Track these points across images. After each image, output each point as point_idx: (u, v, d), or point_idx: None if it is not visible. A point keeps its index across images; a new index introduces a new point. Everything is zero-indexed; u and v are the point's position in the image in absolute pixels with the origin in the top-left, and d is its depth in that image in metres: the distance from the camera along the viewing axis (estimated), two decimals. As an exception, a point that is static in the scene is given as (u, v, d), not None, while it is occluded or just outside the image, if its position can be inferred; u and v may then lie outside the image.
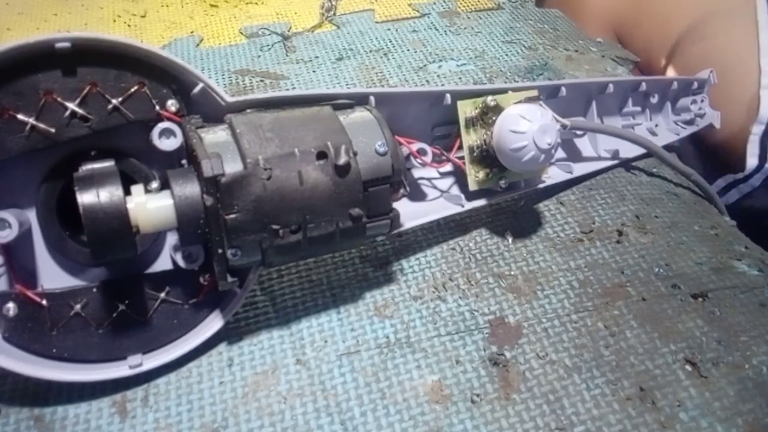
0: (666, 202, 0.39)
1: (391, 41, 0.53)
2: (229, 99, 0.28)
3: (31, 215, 0.27)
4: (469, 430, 0.27)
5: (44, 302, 0.27)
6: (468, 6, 0.59)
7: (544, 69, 0.50)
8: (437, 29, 0.55)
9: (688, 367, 0.30)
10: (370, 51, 0.52)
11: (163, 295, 0.28)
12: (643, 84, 0.42)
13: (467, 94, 0.33)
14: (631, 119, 0.43)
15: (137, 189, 0.25)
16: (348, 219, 0.27)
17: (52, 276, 0.28)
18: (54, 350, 0.27)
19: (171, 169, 0.26)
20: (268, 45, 0.53)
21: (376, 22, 0.56)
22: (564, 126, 0.33)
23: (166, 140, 0.27)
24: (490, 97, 0.33)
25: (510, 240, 0.36)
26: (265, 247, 0.26)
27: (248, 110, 0.28)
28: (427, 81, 0.48)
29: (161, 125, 0.27)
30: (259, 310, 0.32)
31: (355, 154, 0.26)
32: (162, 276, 0.29)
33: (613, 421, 0.27)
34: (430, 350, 0.30)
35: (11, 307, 0.26)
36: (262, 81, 0.48)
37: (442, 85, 0.48)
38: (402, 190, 0.29)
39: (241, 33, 0.55)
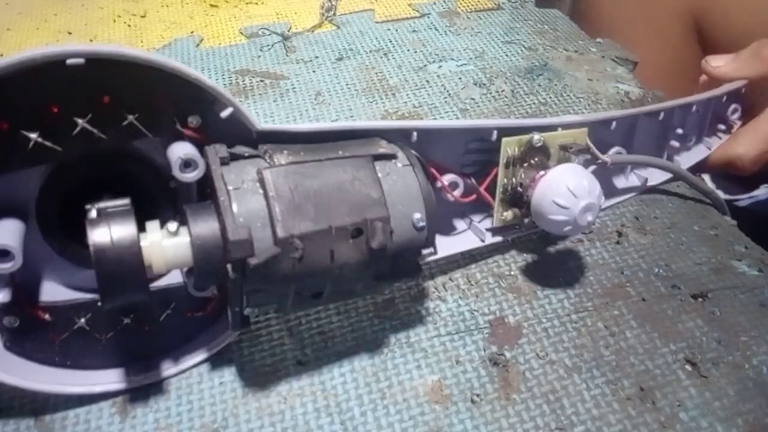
0: (666, 203, 0.39)
1: (391, 41, 0.53)
2: (260, 126, 0.26)
3: (32, 216, 0.27)
4: (469, 430, 0.27)
5: (47, 316, 0.26)
6: (468, 6, 0.59)
7: (543, 69, 0.50)
8: (437, 29, 0.55)
9: (688, 367, 0.30)
10: (370, 51, 0.52)
11: (168, 309, 0.28)
12: (694, 106, 0.39)
13: (515, 130, 0.32)
14: (673, 141, 0.41)
15: (152, 225, 0.24)
16: (372, 285, 0.26)
17: (56, 281, 0.28)
18: (56, 359, 0.27)
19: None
20: (268, 45, 0.53)
21: (376, 22, 0.56)
22: (604, 164, 0.32)
23: (188, 172, 0.25)
24: (536, 137, 0.31)
25: (510, 240, 0.36)
26: (282, 305, 0.25)
27: (281, 156, 0.25)
28: (427, 81, 0.48)
29: (181, 154, 0.25)
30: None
31: (391, 232, 0.25)
32: (169, 290, 0.28)
33: (613, 421, 0.27)
34: (430, 350, 0.30)
35: (14, 320, 0.26)
36: (262, 81, 0.48)
37: (443, 85, 0.48)
38: (431, 250, 0.28)
39: (241, 33, 0.55)
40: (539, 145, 0.31)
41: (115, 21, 0.58)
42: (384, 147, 0.27)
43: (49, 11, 0.59)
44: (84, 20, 0.58)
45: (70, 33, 0.56)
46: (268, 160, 0.25)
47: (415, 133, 0.29)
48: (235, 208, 0.23)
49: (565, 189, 0.30)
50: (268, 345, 0.30)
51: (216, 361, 0.29)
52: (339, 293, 0.26)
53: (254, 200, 0.23)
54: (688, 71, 0.45)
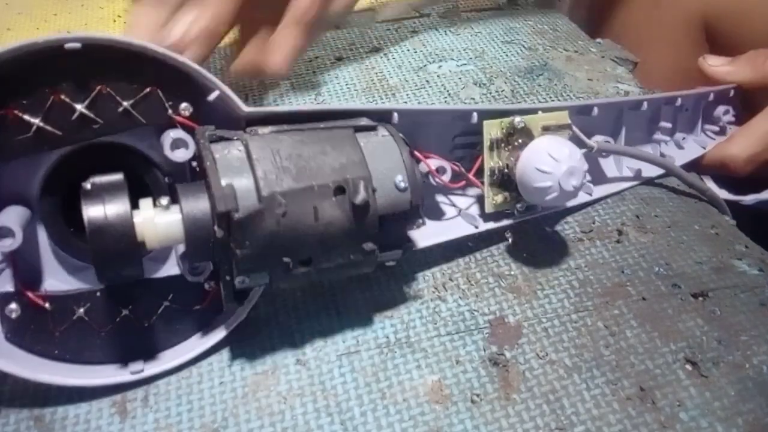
0: (666, 202, 0.39)
1: (391, 41, 0.53)
2: (246, 109, 0.27)
3: (36, 210, 0.27)
4: (469, 430, 0.27)
5: (47, 305, 0.26)
6: (468, 6, 0.59)
7: (543, 69, 0.50)
8: (437, 29, 0.55)
9: (689, 367, 0.30)
10: (370, 51, 0.52)
11: (167, 301, 0.28)
12: (679, 99, 0.40)
13: (495, 113, 0.32)
14: (659, 134, 0.41)
15: (145, 203, 0.24)
16: (360, 253, 0.26)
17: (57, 277, 0.28)
18: (56, 351, 0.27)
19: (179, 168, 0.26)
20: (268, 45, 0.53)
21: (376, 22, 0.56)
22: (590, 149, 0.33)
23: (179, 152, 0.26)
24: (517, 118, 0.32)
25: (510, 240, 0.36)
26: (273, 276, 0.26)
27: (265, 128, 0.27)
28: (427, 81, 0.48)
29: (173, 135, 0.26)
30: (259, 310, 0.32)
31: (374, 191, 0.26)
32: (167, 281, 0.29)
33: (613, 421, 0.27)
34: (430, 350, 0.30)
35: (14, 309, 0.26)
36: (262, 81, 0.48)
37: (443, 85, 0.48)
38: (419, 220, 0.28)
39: (241, 33, 0.55)
40: (521, 126, 0.32)
41: (115, 21, 0.58)
42: (365, 122, 0.28)
43: (49, 11, 0.59)
44: (84, 20, 0.58)
45: (69, 33, 0.56)
46: (253, 135, 0.26)
47: (395, 114, 0.30)
48: (220, 171, 0.24)
49: (546, 156, 0.30)
50: (269, 344, 0.30)
51: (216, 361, 0.30)
52: (328, 262, 0.26)
53: (239, 164, 0.25)
54: (695, 78, 0.46)
